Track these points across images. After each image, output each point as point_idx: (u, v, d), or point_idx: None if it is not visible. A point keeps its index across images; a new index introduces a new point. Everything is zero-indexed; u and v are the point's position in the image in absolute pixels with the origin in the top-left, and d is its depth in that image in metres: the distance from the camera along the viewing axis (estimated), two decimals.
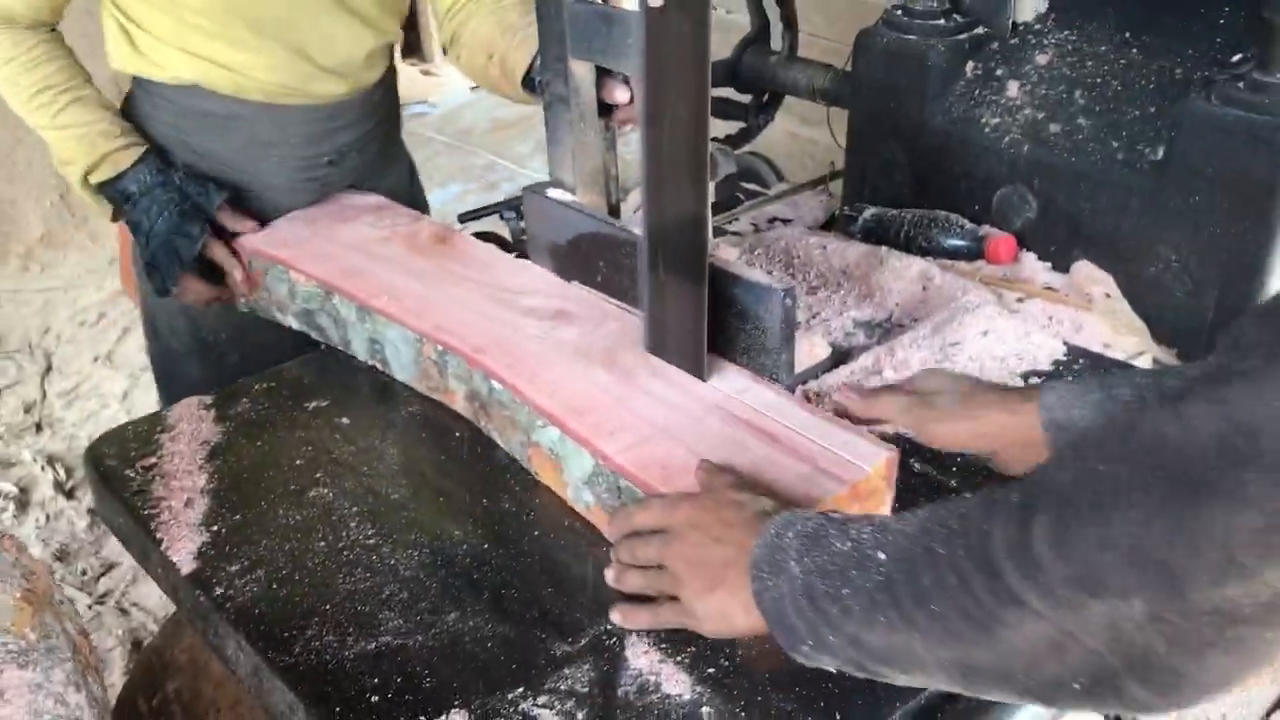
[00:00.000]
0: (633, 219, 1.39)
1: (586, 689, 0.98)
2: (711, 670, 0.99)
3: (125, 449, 1.31)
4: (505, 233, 1.78)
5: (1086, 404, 1.02)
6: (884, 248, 1.64)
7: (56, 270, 4.04)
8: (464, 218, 1.77)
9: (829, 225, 1.82)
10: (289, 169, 1.66)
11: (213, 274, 1.61)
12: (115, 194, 1.57)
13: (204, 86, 1.57)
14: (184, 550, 1.15)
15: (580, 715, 0.95)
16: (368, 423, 1.35)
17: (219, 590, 1.10)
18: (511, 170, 4.72)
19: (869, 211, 1.69)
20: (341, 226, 1.62)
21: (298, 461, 1.29)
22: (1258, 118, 1.33)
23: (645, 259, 1.22)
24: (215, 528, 1.18)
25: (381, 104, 1.74)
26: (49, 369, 3.51)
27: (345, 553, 1.14)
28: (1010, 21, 1.65)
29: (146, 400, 3.34)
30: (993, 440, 1.06)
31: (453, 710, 0.96)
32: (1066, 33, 1.61)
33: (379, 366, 1.44)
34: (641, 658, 1.01)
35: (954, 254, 1.60)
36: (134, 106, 1.64)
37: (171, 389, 1.78)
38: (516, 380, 1.23)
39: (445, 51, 1.73)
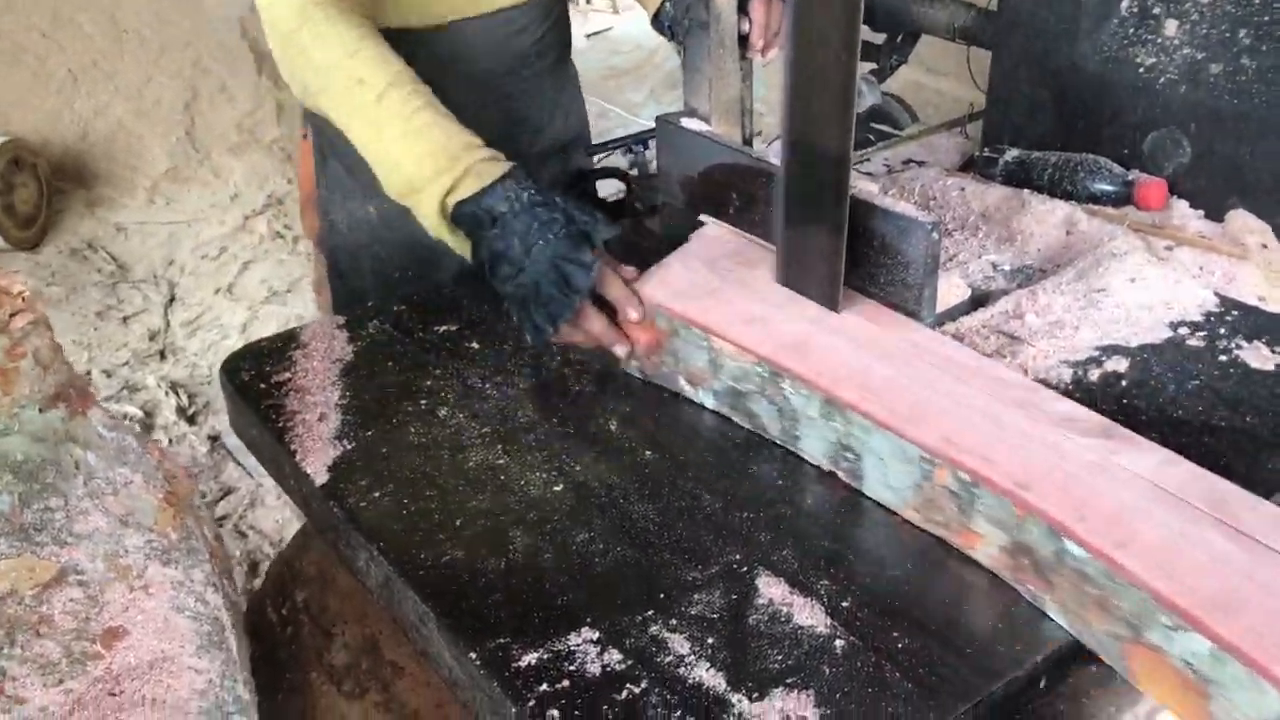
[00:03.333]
0: (768, 151, 1.35)
1: (716, 615, 0.97)
2: (846, 603, 0.97)
3: (260, 364, 1.33)
4: (626, 165, 1.76)
5: None
6: (1026, 191, 1.58)
7: (181, 204, 4.14)
8: (591, 150, 1.76)
9: (967, 168, 1.76)
10: (467, 87, 1.49)
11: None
12: (478, 213, 1.25)
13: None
14: (318, 462, 1.17)
15: (710, 640, 0.94)
16: (497, 348, 1.35)
17: (351, 502, 1.11)
18: (624, 118, 4.70)
19: (1011, 154, 1.63)
20: (750, 273, 1.29)
21: (427, 382, 1.29)
22: None
23: (784, 183, 1.20)
24: (348, 443, 1.19)
25: (555, 17, 1.64)
26: (173, 299, 3.62)
27: (475, 472, 1.14)
28: None
29: (266, 333, 3.41)
30: None
31: (583, 628, 0.95)
32: None
33: (844, 478, 1.12)
34: (774, 588, 0.99)
35: (1100, 199, 1.54)
36: None
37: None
38: (1112, 550, 0.89)
39: None
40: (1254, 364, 1.27)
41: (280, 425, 1.22)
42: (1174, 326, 1.34)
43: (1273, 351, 1.29)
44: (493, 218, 1.24)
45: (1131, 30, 1.57)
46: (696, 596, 0.98)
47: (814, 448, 1.13)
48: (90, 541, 0.97)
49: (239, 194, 4.11)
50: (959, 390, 1.09)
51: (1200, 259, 1.47)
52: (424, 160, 1.26)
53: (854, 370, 1.12)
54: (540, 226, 1.22)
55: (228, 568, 1.14)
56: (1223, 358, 1.28)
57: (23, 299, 0.95)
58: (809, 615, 0.96)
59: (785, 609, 0.97)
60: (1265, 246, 1.46)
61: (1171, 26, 1.53)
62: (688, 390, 1.25)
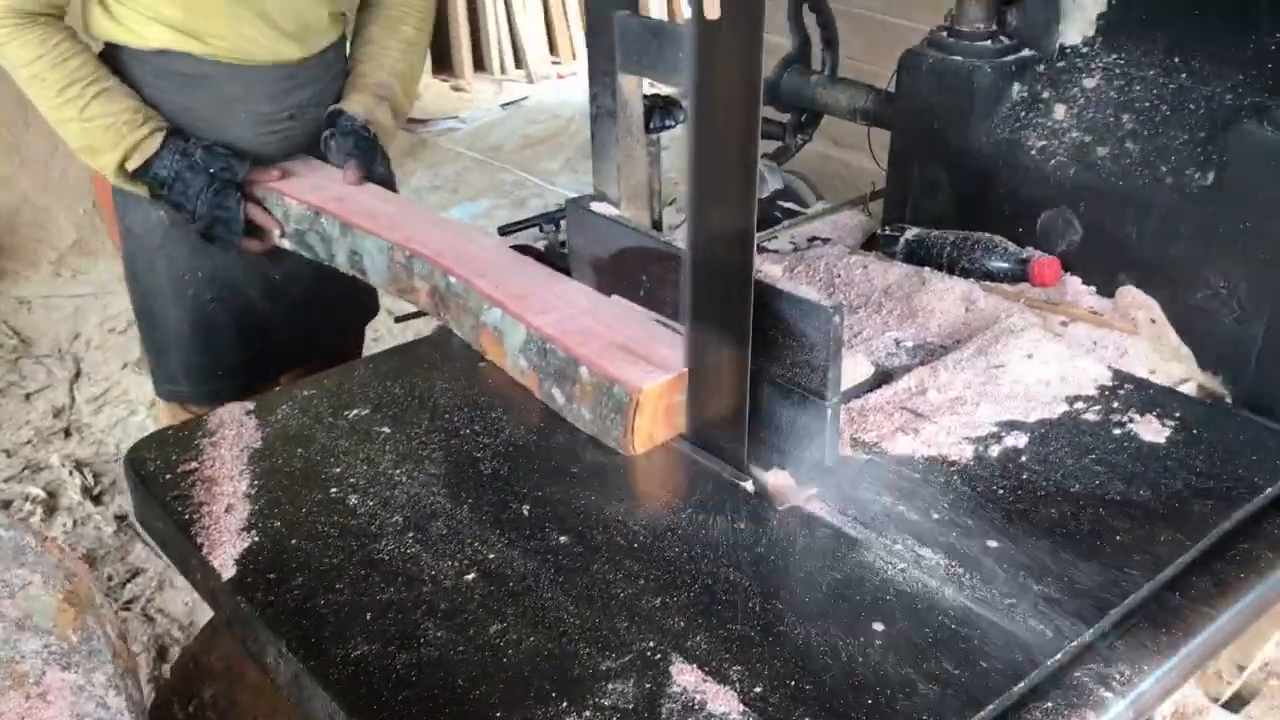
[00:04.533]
0: (678, 234, 1.38)
1: (631, 705, 0.97)
2: (758, 689, 0.98)
3: (166, 453, 1.31)
4: (542, 246, 1.78)
5: None
6: (926, 269, 1.64)
7: (87, 276, 4.06)
8: (504, 230, 1.78)
9: (869, 245, 1.81)
10: (254, 124, 1.79)
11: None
12: (149, 179, 1.70)
13: (176, 50, 1.69)
14: (225, 555, 1.15)
15: None
16: (408, 434, 1.35)
17: (259, 596, 1.10)
18: (540, 186, 4.73)
19: (910, 232, 1.68)
20: (329, 176, 1.80)
21: (337, 469, 1.28)
22: None
23: (688, 272, 1.22)
24: (256, 534, 1.18)
25: (334, 64, 1.89)
26: (78, 374, 3.53)
27: (386, 562, 1.14)
28: (1058, 45, 1.64)
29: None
30: None
31: None
32: (1114, 56, 1.60)
33: (359, 275, 1.65)
34: (686, 675, 1.00)
35: (997, 276, 1.59)
36: (115, 74, 1.72)
37: (152, 328, 1.90)
38: (469, 275, 1.46)
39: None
40: (1147, 437, 1.32)
41: (186, 518, 1.20)
42: (1070, 401, 1.39)
43: (1164, 425, 1.34)
44: (160, 181, 1.69)
45: (1022, 114, 1.63)
46: (610, 686, 0.99)
47: (342, 260, 1.66)
48: None
49: None
50: (425, 218, 1.67)
51: (1094, 334, 1.52)
52: (98, 138, 1.67)
53: (365, 209, 1.67)
54: (194, 188, 1.68)
55: (131, 666, 1.11)
56: (1117, 431, 1.33)
57: None
58: (723, 704, 0.97)
59: (699, 696, 0.98)
60: (1153, 321, 1.52)
61: (1060, 111, 1.60)
62: (275, 239, 1.76)
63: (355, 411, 1.39)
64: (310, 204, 1.69)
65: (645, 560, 1.14)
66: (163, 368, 1.90)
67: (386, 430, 1.35)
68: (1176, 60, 1.54)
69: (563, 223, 1.76)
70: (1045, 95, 1.63)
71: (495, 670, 1.01)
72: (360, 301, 2.02)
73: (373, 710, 0.97)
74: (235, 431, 1.35)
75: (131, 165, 1.68)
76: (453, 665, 1.01)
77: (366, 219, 1.63)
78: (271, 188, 1.73)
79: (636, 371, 1.29)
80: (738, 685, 0.99)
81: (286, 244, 1.75)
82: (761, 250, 1.81)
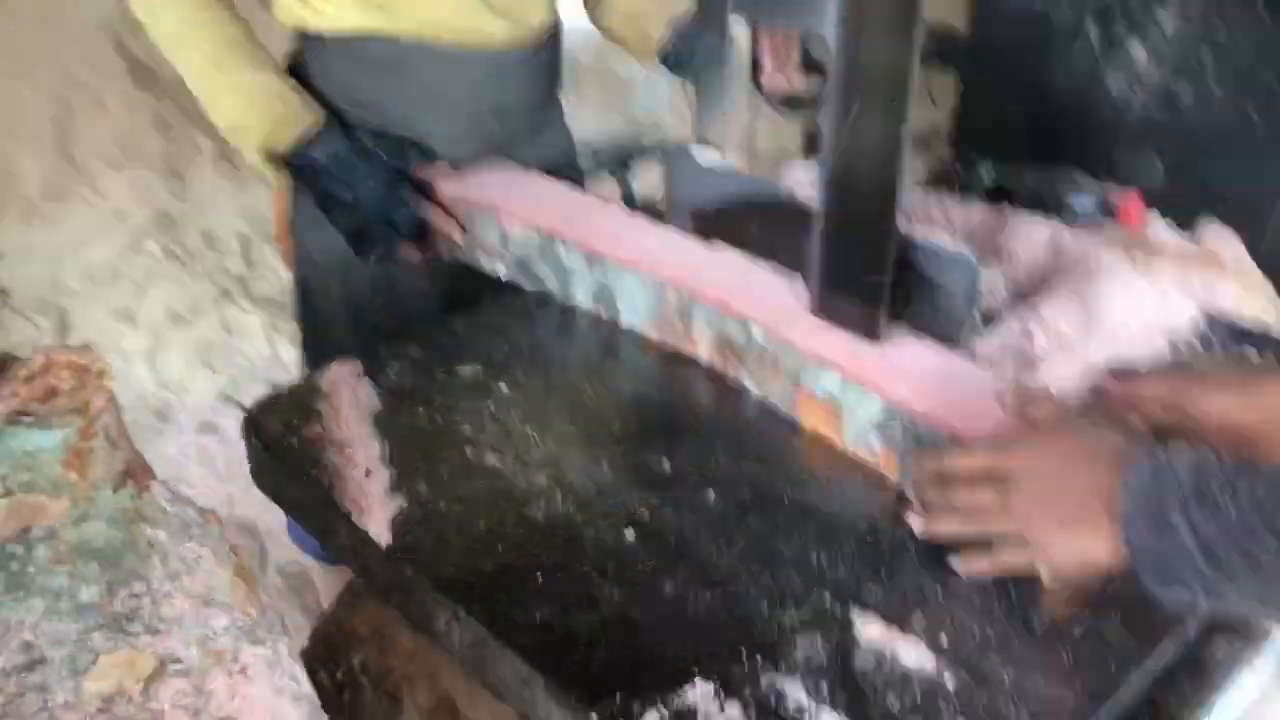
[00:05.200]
0: (793, 184, 1.37)
1: (825, 660, 0.98)
2: (944, 637, 1.00)
3: (287, 416, 1.29)
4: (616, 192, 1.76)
5: None
6: (1008, 208, 1.65)
7: (62, 225, 3.92)
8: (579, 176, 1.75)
9: (937, 183, 1.81)
10: (451, 118, 1.61)
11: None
12: (301, 165, 1.49)
13: (372, 31, 1.52)
14: (378, 522, 1.13)
15: (825, 687, 0.96)
16: (526, 390, 1.33)
17: (423, 562, 1.09)
18: None
19: (988, 167, 1.68)
20: (540, 184, 1.59)
21: (465, 427, 1.27)
22: None
23: (825, 207, 1.22)
24: (403, 498, 1.16)
25: (545, 67, 1.70)
26: (64, 326, 3.43)
27: (542, 524, 1.13)
28: None
29: (173, 361, 3.29)
30: (1266, 413, 1.02)
31: (697, 680, 0.96)
32: None
33: (601, 314, 1.45)
34: (871, 627, 1.01)
35: (1081, 214, 1.61)
36: (303, 65, 1.59)
37: (319, 353, 1.74)
38: (778, 325, 1.25)
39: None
40: None
41: (327, 484, 1.18)
42: (1171, 342, 1.42)
43: (1261, 359, 1.37)
44: (315, 169, 1.48)
45: (1099, 52, 1.64)
46: (800, 640, 1.00)
47: (582, 296, 1.45)
48: (180, 627, 0.93)
49: (125, 212, 3.92)
50: (685, 243, 1.42)
51: (1180, 272, 1.55)
52: (249, 113, 1.48)
53: (609, 233, 1.43)
54: (359, 175, 1.48)
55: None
56: None
57: (102, 376, 0.90)
58: (914, 654, 0.99)
59: (889, 647, 0.99)
60: (1237, 258, 1.55)
61: (1138, 49, 1.61)
62: (483, 262, 1.54)
63: (469, 368, 1.37)
64: (540, 226, 1.44)
65: (799, 515, 1.15)
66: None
67: (504, 387, 1.34)
68: None
69: (636, 169, 1.74)
70: (1122, 33, 1.63)
71: (681, 629, 1.01)
72: None
73: (568, 670, 0.97)
74: (351, 392, 1.32)
75: (283, 147, 1.48)
76: (636, 625, 1.02)
77: (619, 247, 1.40)
78: (482, 204, 1.51)
79: None
80: (923, 635, 1.00)
81: (501, 270, 1.53)
82: None
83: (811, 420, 1.25)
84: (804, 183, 1.64)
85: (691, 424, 1.29)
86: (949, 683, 0.96)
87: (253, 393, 2.97)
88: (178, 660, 0.91)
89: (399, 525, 1.13)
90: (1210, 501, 0.81)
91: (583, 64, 5.38)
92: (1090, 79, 1.61)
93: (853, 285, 1.23)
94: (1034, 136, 1.68)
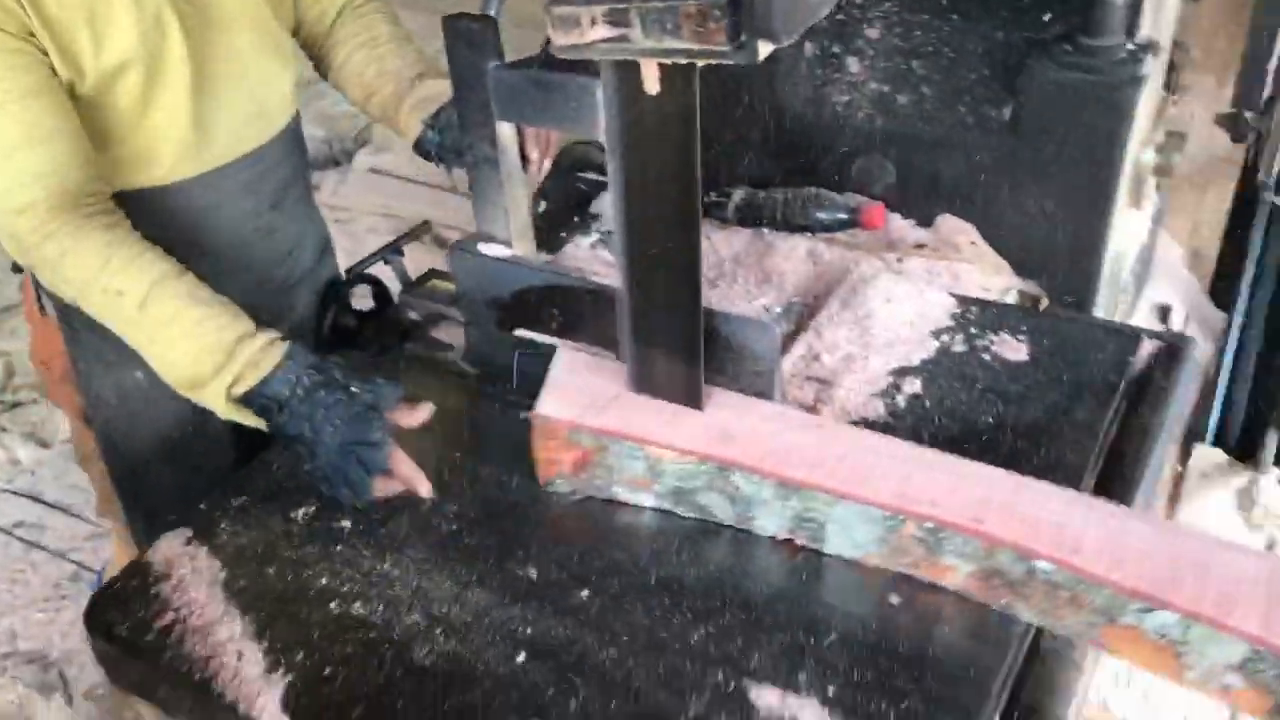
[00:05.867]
0: (580, 266, 1.42)
1: None
2: (831, 689, 1.10)
3: (132, 610, 1.23)
4: (386, 276, 1.75)
5: None
6: (764, 229, 1.76)
7: None
8: (351, 271, 1.72)
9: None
10: (235, 225, 1.55)
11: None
12: (264, 402, 1.30)
13: (131, 189, 1.44)
14: (268, 706, 1.12)
15: None
16: (368, 521, 1.33)
17: None
18: None
19: (739, 194, 1.78)
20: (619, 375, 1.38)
21: (322, 580, 1.26)
22: (1095, 78, 1.54)
23: (628, 302, 1.28)
24: (284, 673, 1.15)
25: (298, 132, 1.67)
26: None
27: (433, 668, 1.15)
28: None
29: None
30: None
31: None
32: (889, 3, 1.74)
33: (802, 542, 1.25)
34: (765, 695, 1.10)
35: (830, 226, 1.73)
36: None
37: (137, 496, 1.69)
38: (1068, 556, 1.11)
39: (315, 68, 1.71)
40: (1010, 356, 1.52)
41: (198, 677, 1.15)
42: (935, 335, 1.57)
43: (1018, 340, 1.54)
44: (278, 404, 1.30)
45: (819, 70, 1.76)
46: None
47: (771, 526, 1.26)
48: None
49: None
50: (873, 448, 1.27)
51: (927, 265, 1.71)
52: (201, 358, 1.30)
53: (785, 448, 1.25)
54: (326, 411, 1.29)
55: None
56: (985, 356, 1.53)
57: None
58: (810, 713, 1.08)
59: (787, 712, 1.09)
60: (973, 243, 1.72)
61: (853, 63, 1.74)
62: (626, 496, 1.32)
63: (302, 510, 1.35)
64: (702, 455, 1.24)
65: (667, 594, 1.22)
66: (150, 526, 1.59)
67: (346, 524, 1.33)
68: (944, 2, 1.71)
69: (403, 252, 1.74)
70: (836, 49, 1.76)
71: None
72: None
73: None
74: (190, 568, 1.28)
75: (241, 388, 1.30)
76: None
77: (814, 469, 1.21)
78: (618, 434, 1.28)
79: None
80: (811, 690, 1.10)
81: (648, 501, 1.31)
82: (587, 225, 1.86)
83: (1139, 658, 1.12)
84: (586, 260, 1.69)
85: (543, 522, 1.33)
86: None
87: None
88: None
89: (290, 705, 1.13)
90: None
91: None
92: (815, 98, 1.73)
93: (667, 357, 1.30)
94: (776, 159, 1.79)
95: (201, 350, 1.30)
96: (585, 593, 1.23)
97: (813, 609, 1.19)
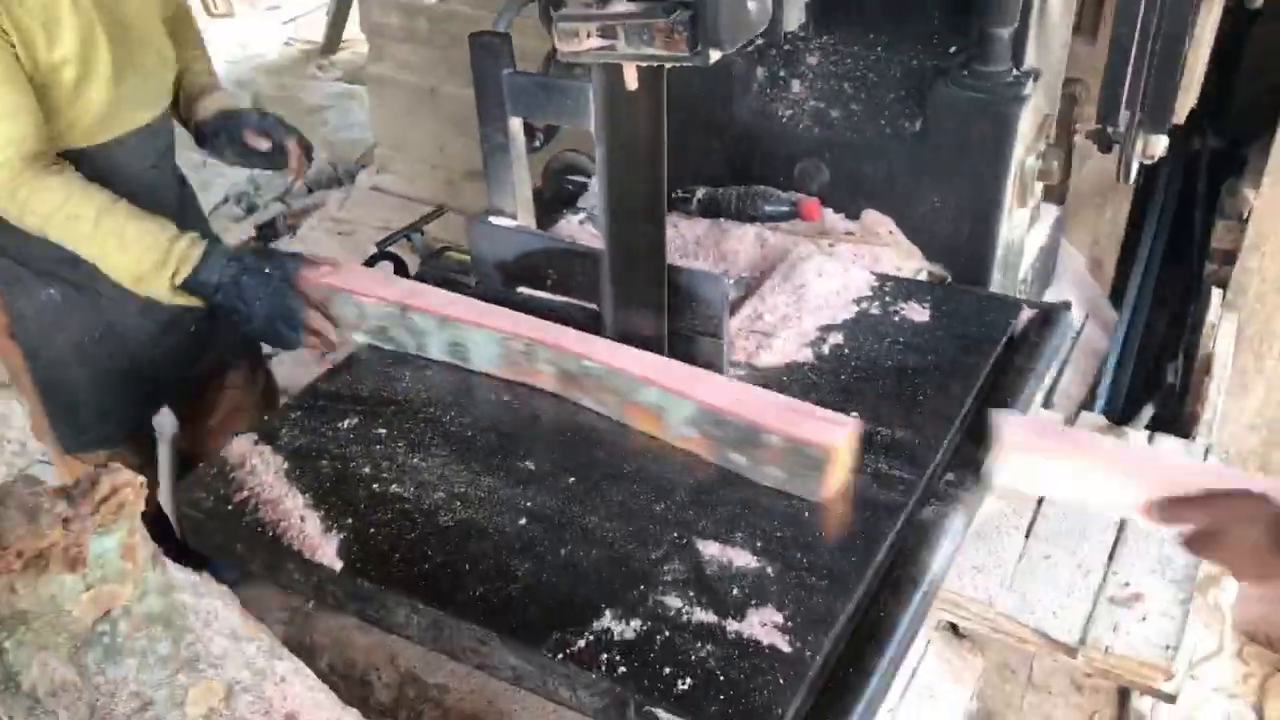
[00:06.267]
0: (575, 235, 1.78)
1: (686, 575, 1.41)
2: (759, 543, 1.45)
3: (215, 489, 1.57)
4: (407, 253, 2.10)
5: None
6: (721, 219, 2.12)
7: None
8: (382, 244, 2.08)
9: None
10: (130, 180, 1.91)
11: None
12: (196, 286, 1.79)
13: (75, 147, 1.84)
14: (327, 553, 1.46)
15: (690, 593, 1.38)
16: (401, 430, 1.67)
17: (376, 574, 1.43)
18: None
19: (701, 192, 2.15)
20: (377, 274, 1.95)
21: (365, 469, 1.60)
22: (984, 96, 1.92)
23: (608, 259, 1.63)
24: (338, 532, 1.48)
25: (169, 117, 2.09)
26: None
27: (456, 527, 1.49)
28: (783, 31, 2.14)
29: None
30: None
31: (605, 610, 1.36)
32: (826, 37, 2.12)
33: (456, 362, 1.79)
34: (709, 547, 1.45)
35: (776, 217, 2.10)
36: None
37: (58, 394, 2.08)
38: (608, 358, 1.63)
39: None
40: (917, 318, 1.89)
41: (272, 534, 1.49)
42: (857, 302, 1.93)
43: (923, 307, 1.91)
44: (213, 287, 1.80)
45: (768, 90, 2.14)
46: (666, 566, 1.42)
47: (435, 350, 1.78)
48: (229, 660, 1.24)
49: None
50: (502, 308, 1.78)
51: (854, 249, 2.08)
52: (144, 258, 1.78)
53: (446, 301, 1.78)
54: (250, 290, 1.79)
55: None
56: (896, 318, 1.89)
57: (144, 487, 1.19)
58: (743, 559, 1.43)
59: (725, 558, 1.43)
60: (891, 233, 2.09)
61: (796, 85, 2.12)
62: (349, 336, 1.85)
63: (347, 421, 1.69)
64: (395, 300, 1.78)
65: (638, 480, 1.56)
66: (71, 425, 2.05)
67: (383, 431, 1.67)
68: (871, 36, 2.10)
69: (423, 232, 2.09)
70: (783, 74, 2.13)
71: (585, 576, 1.41)
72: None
73: (511, 625, 1.35)
74: (259, 460, 1.62)
75: (180, 278, 1.78)
76: (554, 581, 1.40)
77: (461, 310, 1.76)
78: (338, 286, 1.81)
79: (821, 431, 1.49)
80: (745, 544, 1.45)
81: (360, 338, 1.83)
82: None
83: (641, 422, 1.63)
84: (575, 232, 2.05)
85: (540, 432, 1.67)
86: (769, 570, 1.41)
87: None
88: (238, 681, 1.22)
89: (343, 553, 1.46)
90: None
91: (267, 96, 5.54)
92: (765, 112, 2.09)
93: (639, 306, 1.65)
94: (732, 163, 2.15)
95: (143, 251, 1.77)
96: (572, 479, 1.57)
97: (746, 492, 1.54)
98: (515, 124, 1.71)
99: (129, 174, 1.94)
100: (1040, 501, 1.90)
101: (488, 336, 1.73)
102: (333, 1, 6.10)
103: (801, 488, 1.51)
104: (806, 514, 1.49)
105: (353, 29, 5.63)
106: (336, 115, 5.34)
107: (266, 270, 1.80)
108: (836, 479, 1.49)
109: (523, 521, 1.50)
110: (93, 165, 1.87)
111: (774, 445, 1.50)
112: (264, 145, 2.02)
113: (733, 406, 1.53)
